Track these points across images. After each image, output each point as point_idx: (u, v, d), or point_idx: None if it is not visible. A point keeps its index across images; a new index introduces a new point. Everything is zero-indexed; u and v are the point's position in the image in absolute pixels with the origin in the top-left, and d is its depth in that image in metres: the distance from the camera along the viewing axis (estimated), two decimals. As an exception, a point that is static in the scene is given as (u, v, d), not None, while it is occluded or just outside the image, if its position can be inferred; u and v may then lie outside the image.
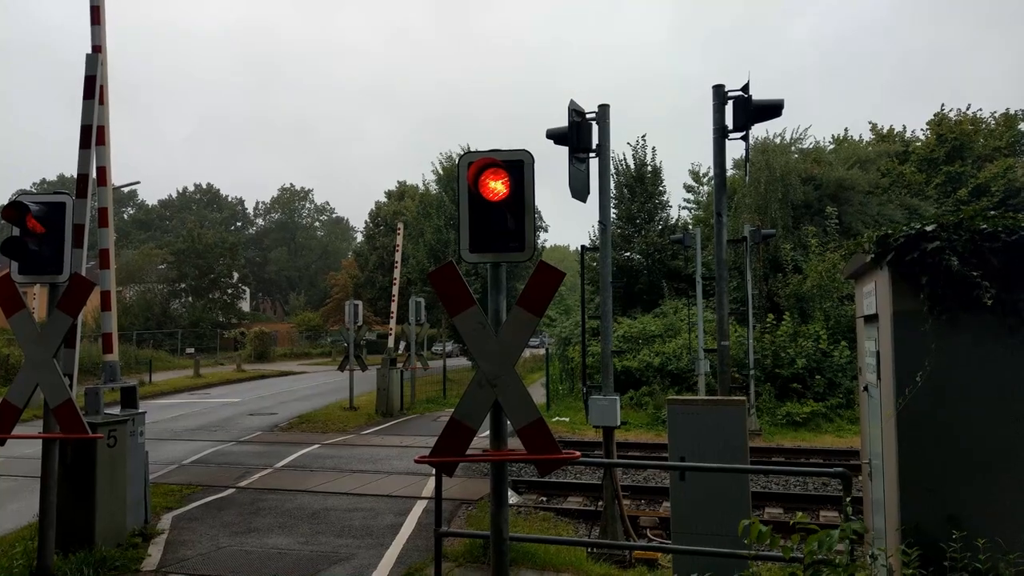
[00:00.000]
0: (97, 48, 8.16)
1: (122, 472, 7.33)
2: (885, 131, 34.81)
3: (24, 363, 5.72)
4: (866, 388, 5.45)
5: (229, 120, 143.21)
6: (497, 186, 4.09)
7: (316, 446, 14.50)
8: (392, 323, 22.94)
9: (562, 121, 7.98)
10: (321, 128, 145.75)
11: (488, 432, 4.24)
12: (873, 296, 4.85)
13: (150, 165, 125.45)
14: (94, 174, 7.76)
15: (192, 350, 41.61)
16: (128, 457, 7.45)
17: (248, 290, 72.56)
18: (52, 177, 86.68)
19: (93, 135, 7.59)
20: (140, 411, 7.89)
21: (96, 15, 8.24)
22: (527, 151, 4.25)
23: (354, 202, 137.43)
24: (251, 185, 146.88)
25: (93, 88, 7.55)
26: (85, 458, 6.97)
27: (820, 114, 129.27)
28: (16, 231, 5.68)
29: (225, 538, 7.82)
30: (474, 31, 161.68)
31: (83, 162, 7.54)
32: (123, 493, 7.34)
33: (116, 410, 7.79)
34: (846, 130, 42.93)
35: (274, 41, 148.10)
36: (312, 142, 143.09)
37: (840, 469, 5.00)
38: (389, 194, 55.44)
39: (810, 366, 18.17)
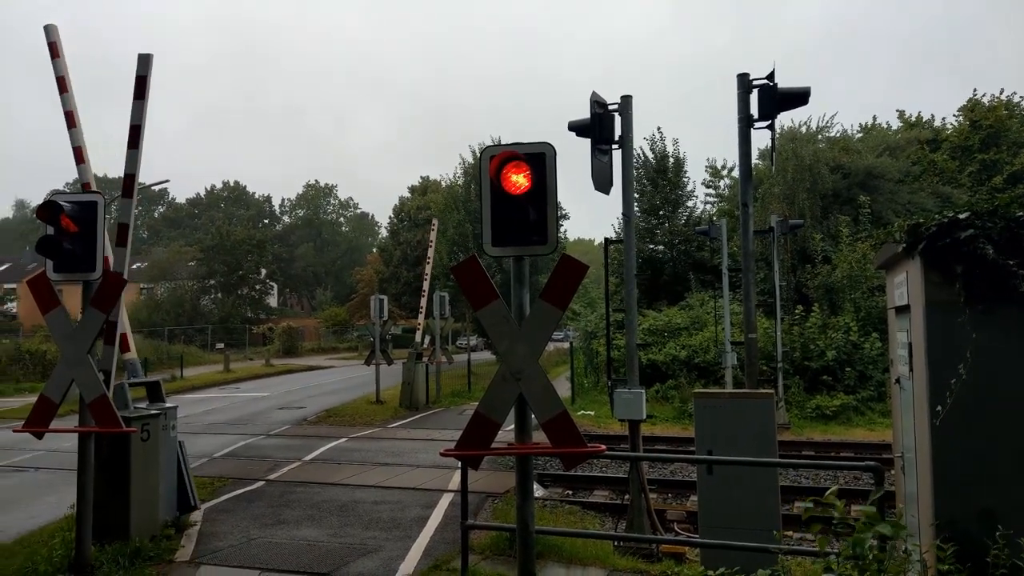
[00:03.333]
0: (61, 79, 8.18)
1: (155, 465, 7.48)
2: (914, 119, 34.00)
3: (60, 359, 5.86)
4: (898, 380, 5.35)
5: (227, 115, 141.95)
6: (519, 179, 4.08)
7: (343, 439, 14.66)
8: (420, 318, 23.05)
9: (573, 111, 7.94)
10: (325, 120, 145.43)
11: (513, 426, 4.24)
12: (905, 287, 4.75)
13: (172, 161, 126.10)
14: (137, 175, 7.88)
15: (222, 345, 42.30)
16: (161, 451, 7.60)
17: (276, 286, 73.53)
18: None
19: (141, 135, 7.72)
20: (172, 405, 8.05)
21: (54, 50, 8.21)
22: (549, 143, 4.23)
23: (376, 197, 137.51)
24: (275, 182, 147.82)
25: (144, 88, 7.69)
26: (120, 452, 7.11)
27: (837, 92, 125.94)
28: (51, 230, 5.81)
29: (256, 530, 7.94)
30: (476, 20, 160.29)
31: (130, 162, 7.68)
32: (156, 486, 7.48)
33: (142, 405, 7.95)
34: (874, 117, 42.16)
35: (255, 28, 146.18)
36: (326, 136, 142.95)
37: (872, 463, 4.88)
38: (412, 189, 55.78)
39: (840, 358, 17.86)
